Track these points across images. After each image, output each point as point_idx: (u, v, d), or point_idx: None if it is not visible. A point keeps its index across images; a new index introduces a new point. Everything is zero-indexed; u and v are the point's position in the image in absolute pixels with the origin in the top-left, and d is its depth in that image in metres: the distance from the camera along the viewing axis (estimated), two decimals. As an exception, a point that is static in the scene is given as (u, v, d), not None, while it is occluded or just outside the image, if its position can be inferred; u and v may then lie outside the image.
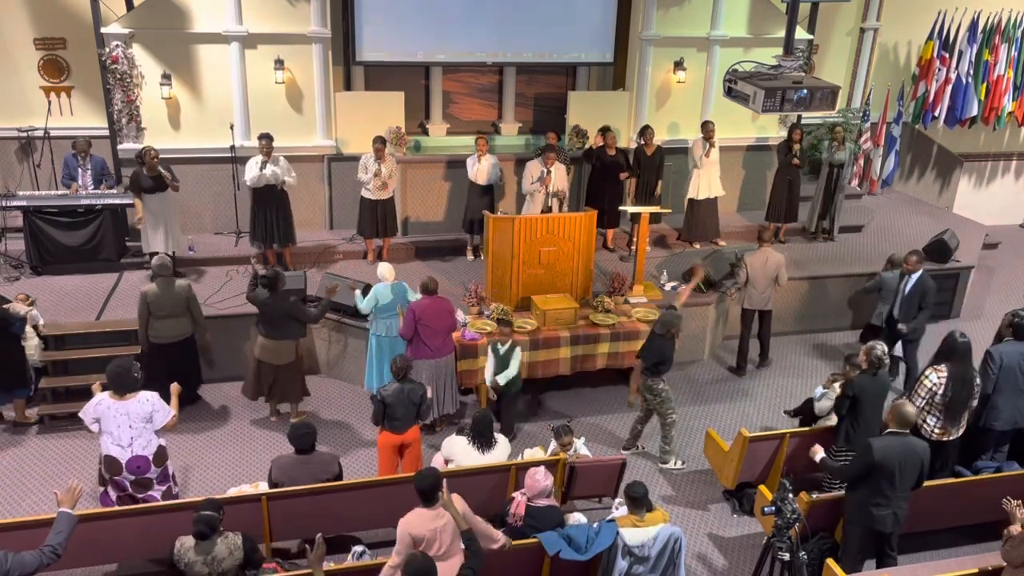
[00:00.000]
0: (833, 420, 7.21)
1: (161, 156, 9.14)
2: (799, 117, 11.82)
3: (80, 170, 9.77)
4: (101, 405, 6.13)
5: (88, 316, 8.78)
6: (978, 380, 6.90)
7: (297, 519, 6.24)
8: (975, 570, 5.63)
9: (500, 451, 6.72)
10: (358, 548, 6.15)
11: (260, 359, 7.99)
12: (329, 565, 5.30)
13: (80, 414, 6.24)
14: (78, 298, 9.17)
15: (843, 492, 6.23)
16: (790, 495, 5.44)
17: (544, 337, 8.54)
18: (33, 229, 9.42)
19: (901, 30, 13.66)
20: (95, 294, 9.26)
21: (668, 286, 9.83)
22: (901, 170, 14.15)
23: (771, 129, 12.02)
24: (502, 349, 7.96)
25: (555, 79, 11.95)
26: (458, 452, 6.70)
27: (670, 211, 10.80)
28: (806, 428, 7.43)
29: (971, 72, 13.42)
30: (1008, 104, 13.76)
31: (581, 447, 6.99)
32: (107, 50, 9.60)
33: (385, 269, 8.32)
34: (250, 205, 9.74)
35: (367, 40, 10.66)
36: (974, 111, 13.60)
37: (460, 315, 8.39)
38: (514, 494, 6.03)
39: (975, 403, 6.96)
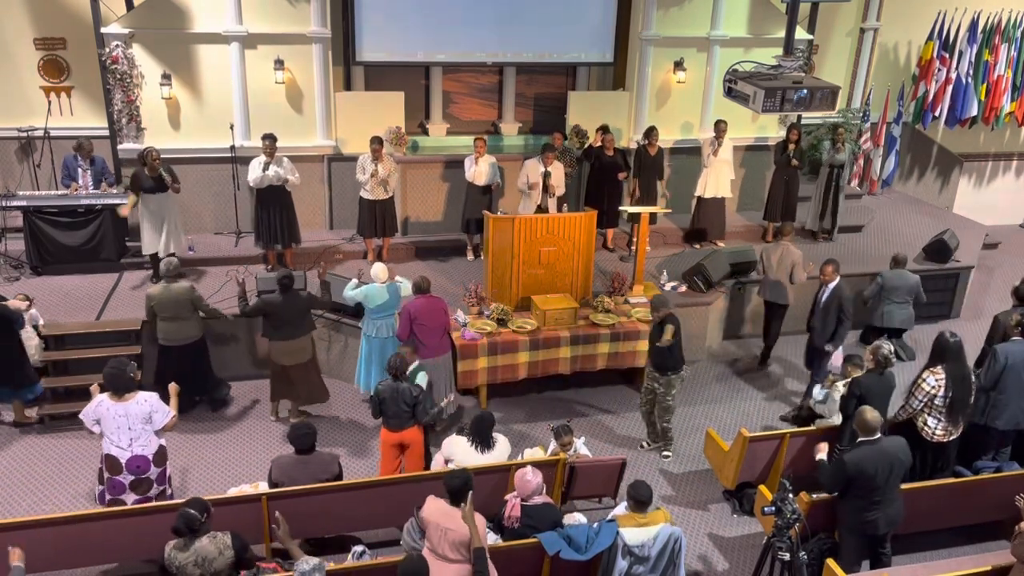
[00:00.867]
0: (834, 420, 7.21)
1: (162, 157, 9.13)
2: (799, 117, 11.81)
3: (81, 171, 9.76)
4: (101, 406, 6.14)
5: (88, 316, 8.78)
6: (974, 377, 6.90)
7: (297, 519, 6.22)
8: (975, 570, 5.62)
9: (500, 451, 6.72)
10: (358, 548, 6.14)
11: (281, 364, 7.98)
12: (329, 565, 5.29)
13: (81, 416, 6.24)
14: (78, 298, 9.17)
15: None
16: (790, 495, 5.44)
17: (544, 337, 8.55)
18: (33, 229, 9.42)
19: (901, 30, 13.66)
20: (95, 294, 9.26)
21: (668, 286, 9.84)
22: (901, 170, 14.16)
23: (771, 129, 12.01)
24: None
25: (555, 79, 11.94)
26: (458, 452, 6.69)
27: (670, 211, 10.78)
28: (807, 428, 7.43)
29: (971, 72, 13.43)
30: (1007, 104, 13.77)
31: (581, 447, 6.99)
32: (107, 50, 9.60)
33: (379, 269, 8.24)
34: (253, 206, 9.74)
35: (367, 40, 10.66)
36: (974, 111, 13.60)
37: (460, 315, 8.36)
38: (507, 496, 6.03)
39: (972, 399, 6.95)
